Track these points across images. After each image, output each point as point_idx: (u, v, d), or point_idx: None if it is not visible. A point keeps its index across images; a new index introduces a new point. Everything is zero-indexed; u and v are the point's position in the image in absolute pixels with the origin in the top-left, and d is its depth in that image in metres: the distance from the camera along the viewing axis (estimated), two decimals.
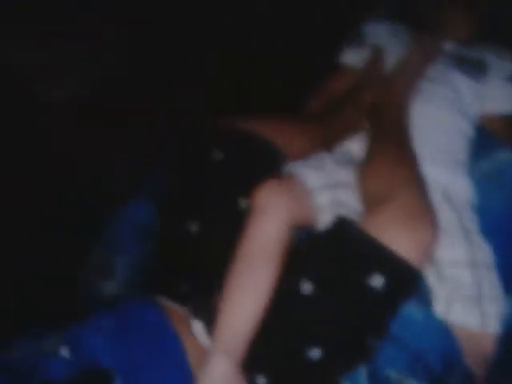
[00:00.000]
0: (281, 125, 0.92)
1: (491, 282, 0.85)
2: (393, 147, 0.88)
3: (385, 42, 1.15)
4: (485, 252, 0.87)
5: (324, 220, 0.81)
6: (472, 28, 1.15)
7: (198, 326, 0.74)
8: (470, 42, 1.15)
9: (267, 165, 0.85)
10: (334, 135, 1.02)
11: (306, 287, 0.71)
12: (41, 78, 1.24)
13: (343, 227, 0.72)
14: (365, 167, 0.86)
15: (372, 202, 0.77)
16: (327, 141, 1.00)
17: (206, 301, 0.74)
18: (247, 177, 0.79)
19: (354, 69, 1.16)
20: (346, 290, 0.69)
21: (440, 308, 0.82)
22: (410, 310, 0.79)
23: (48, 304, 0.90)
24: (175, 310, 0.76)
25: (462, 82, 1.07)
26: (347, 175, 0.90)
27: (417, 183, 0.80)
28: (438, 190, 0.92)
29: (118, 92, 1.21)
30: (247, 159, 0.83)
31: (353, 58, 1.18)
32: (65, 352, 0.65)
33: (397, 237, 0.69)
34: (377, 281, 0.68)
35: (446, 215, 0.87)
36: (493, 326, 0.82)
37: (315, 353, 0.67)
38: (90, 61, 1.25)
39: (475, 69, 1.09)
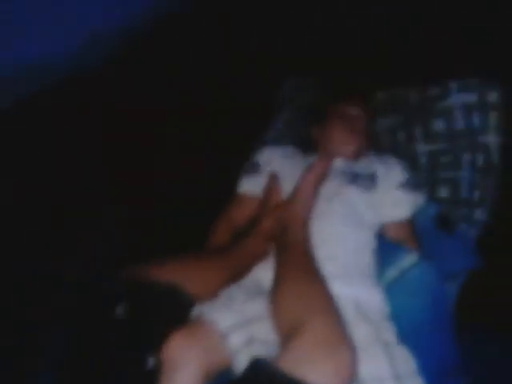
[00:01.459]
0: (187, 265, 0.92)
1: None
2: (299, 272, 0.89)
3: (279, 166, 1.23)
4: (407, 362, 0.87)
5: (240, 361, 0.78)
6: (361, 146, 1.24)
7: None
8: (361, 156, 1.25)
9: (175, 314, 0.83)
10: (241, 265, 1.03)
11: None
12: None
13: (258, 370, 0.70)
14: (274, 297, 0.86)
15: (286, 333, 0.75)
16: (236, 272, 1.01)
17: None
18: (155, 331, 0.77)
19: (253, 196, 1.21)
20: None
21: None
22: None
23: None
24: None
25: (357, 197, 1.13)
26: (259, 307, 0.90)
27: (328, 307, 0.80)
28: (351, 306, 0.93)
29: None
30: (154, 312, 0.81)
31: (250, 185, 1.23)
32: None
33: (315, 367, 0.67)
34: None
35: (362, 331, 0.88)
36: None
37: None
38: None
39: (367, 182, 1.17)
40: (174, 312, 0.83)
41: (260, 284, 1.01)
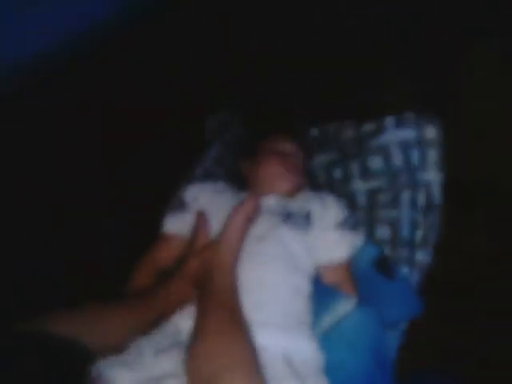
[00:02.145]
0: (89, 315, 0.83)
1: None
2: (221, 323, 0.83)
3: (208, 202, 1.12)
4: None
5: None
6: (296, 183, 1.17)
7: None
8: (296, 194, 1.16)
9: (69, 371, 0.72)
10: (158, 312, 0.94)
11: None
12: None
13: None
14: (191, 350, 0.79)
15: None
16: (150, 320, 0.91)
17: None
18: None
19: (179, 236, 1.10)
20: None
21: None
22: None
23: None
24: None
25: (290, 238, 1.06)
26: (171, 363, 0.81)
27: (248, 363, 0.75)
28: (279, 359, 0.85)
29: None
30: (43, 369, 0.69)
31: (176, 225, 1.12)
32: None
33: None
34: None
35: None
36: None
37: None
38: None
39: (301, 221, 1.08)
40: (69, 369, 0.72)
41: (179, 333, 0.90)
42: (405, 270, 1.13)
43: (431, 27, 1.37)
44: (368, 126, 1.28)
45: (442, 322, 1.12)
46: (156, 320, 0.92)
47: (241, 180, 1.25)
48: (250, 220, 1.04)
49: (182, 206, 1.15)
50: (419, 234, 1.17)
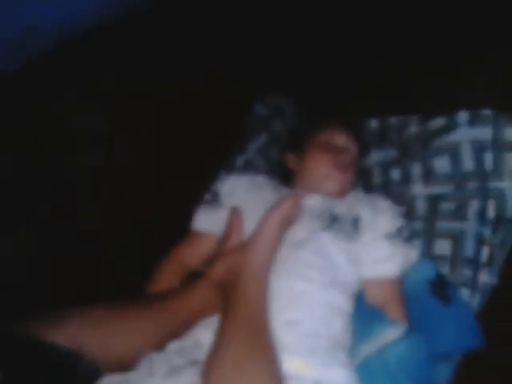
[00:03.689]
0: (97, 321, 0.74)
1: None
2: (244, 343, 0.72)
3: (243, 198, 1.02)
4: None
5: None
6: (346, 183, 1.04)
7: None
8: (344, 195, 1.03)
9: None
10: (178, 321, 0.84)
11: None
12: None
13: None
14: (208, 369, 0.70)
15: None
16: (169, 329, 0.82)
17: None
18: None
19: (209, 233, 1.01)
20: None
21: None
22: None
23: None
24: None
25: (333, 246, 0.92)
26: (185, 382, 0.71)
27: None
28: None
29: None
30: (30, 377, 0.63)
31: (207, 221, 1.02)
32: None
33: None
34: None
35: None
36: None
37: None
38: None
39: (348, 227, 0.96)
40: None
41: (199, 346, 0.82)
42: (465, 292, 0.97)
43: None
44: (436, 122, 1.11)
45: (505, 345, 0.97)
46: (175, 330, 0.83)
47: (285, 175, 1.13)
48: (288, 222, 0.92)
49: (215, 200, 1.05)
50: (485, 251, 1.01)
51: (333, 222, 0.96)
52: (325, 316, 0.85)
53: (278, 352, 0.75)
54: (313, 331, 0.82)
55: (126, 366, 0.73)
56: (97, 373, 0.69)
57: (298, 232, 0.94)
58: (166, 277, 0.99)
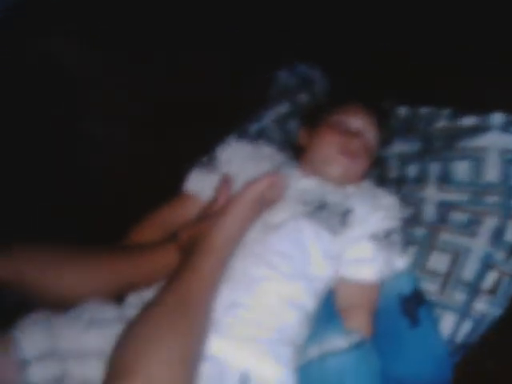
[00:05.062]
0: (42, 256, 0.78)
1: None
2: (176, 306, 0.70)
3: (241, 167, 0.97)
4: None
5: None
6: (353, 170, 0.95)
7: None
8: (352, 183, 0.95)
9: None
10: (137, 277, 0.86)
11: None
12: None
13: None
14: (129, 326, 0.68)
15: (113, 374, 0.62)
16: (124, 282, 0.84)
17: None
18: None
19: (198, 197, 0.98)
20: None
21: None
22: None
23: None
24: None
25: (310, 234, 0.84)
26: (97, 341, 0.71)
27: (182, 362, 0.64)
28: (235, 377, 0.72)
29: None
30: None
31: (199, 184, 1.00)
32: None
33: None
34: None
35: None
36: None
37: None
38: None
39: (334, 218, 0.88)
40: None
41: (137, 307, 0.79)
42: (450, 318, 0.86)
43: None
44: (467, 120, 0.95)
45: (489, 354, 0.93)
46: (132, 282, 0.84)
47: (296, 150, 1.06)
48: (265, 203, 0.86)
49: (211, 164, 1.01)
50: (491, 277, 0.87)
51: (319, 209, 0.89)
52: (277, 307, 0.79)
53: (206, 331, 0.72)
54: (256, 320, 0.78)
55: (69, 305, 0.75)
56: (19, 305, 0.72)
57: (277, 215, 0.88)
58: (144, 231, 0.98)
